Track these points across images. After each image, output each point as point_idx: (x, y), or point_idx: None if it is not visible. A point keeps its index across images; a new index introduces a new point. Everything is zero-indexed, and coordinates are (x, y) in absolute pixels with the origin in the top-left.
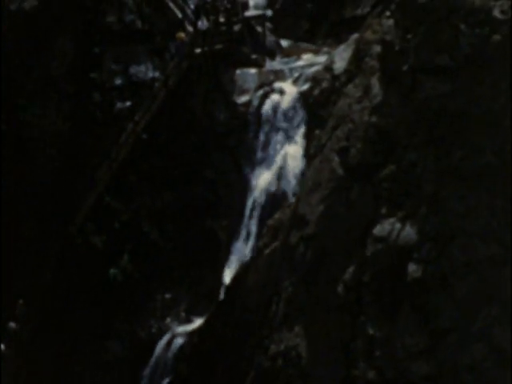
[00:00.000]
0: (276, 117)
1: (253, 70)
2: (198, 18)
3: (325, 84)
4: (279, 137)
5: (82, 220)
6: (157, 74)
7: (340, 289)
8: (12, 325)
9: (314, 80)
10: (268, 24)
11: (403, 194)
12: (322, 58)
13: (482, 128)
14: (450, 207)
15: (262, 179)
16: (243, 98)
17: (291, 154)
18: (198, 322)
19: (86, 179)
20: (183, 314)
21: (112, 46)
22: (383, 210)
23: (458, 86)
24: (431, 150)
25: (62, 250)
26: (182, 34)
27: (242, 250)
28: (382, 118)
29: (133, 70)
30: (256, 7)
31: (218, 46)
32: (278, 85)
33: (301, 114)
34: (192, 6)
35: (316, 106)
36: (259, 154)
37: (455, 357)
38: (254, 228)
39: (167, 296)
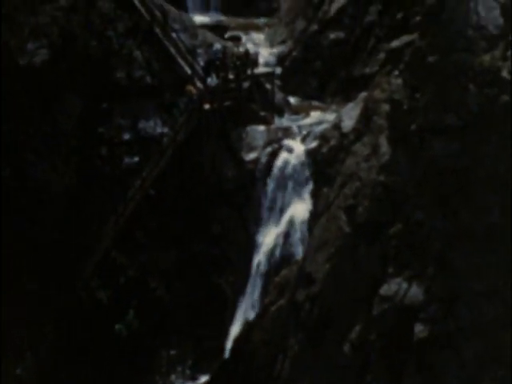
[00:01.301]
0: (284, 174)
1: (261, 127)
2: (207, 74)
3: (333, 142)
4: (287, 194)
5: (88, 275)
6: (165, 130)
7: (346, 348)
8: (18, 371)
9: (323, 138)
10: (277, 81)
11: (410, 253)
12: (330, 116)
13: (489, 187)
14: (456, 267)
15: (269, 236)
16: (251, 155)
17: (298, 211)
18: (202, 380)
19: (93, 234)
20: (188, 371)
21: (121, 101)
22: (390, 269)
23: (466, 145)
24: (438, 209)
25: (67, 305)
26: (191, 87)
27: (248, 307)
28: (389, 177)
29: (141, 125)
30: (265, 64)
31: (227, 103)
32: (286, 142)
33: (309, 172)
34: (201, 63)
35: (324, 163)
36: (266, 211)
37: None
38: (260, 285)
39: (172, 352)
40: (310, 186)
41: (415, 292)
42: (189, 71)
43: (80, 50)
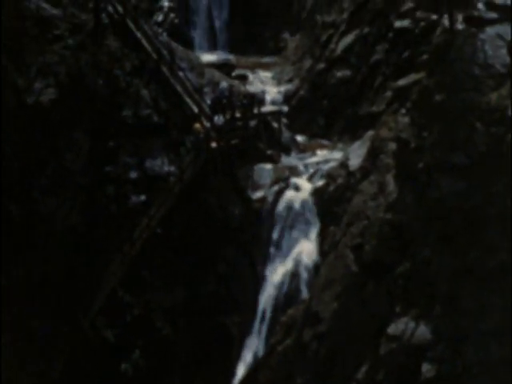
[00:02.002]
0: (290, 213)
1: (268, 166)
2: (214, 112)
3: (340, 180)
4: (293, 233)
5: (95, 313)
6: (172, 168)
7: None
8: None
9: (329, 176)
10: (284, 120)
11: (417, 292)
12: (337, 155)
13: (497, 227)
14: (464, 306)
15: (276, 275)
16: (258, 194)
17: (305, 250)
18: None
19: (99, 272)
20: None
21: (127, 140)
22: (397, 309)
23: (473, 184)
24: (446, 248)
25: (73, 344)
26: (198, 126)
27: (254, 347)
28: (396, 215)
29: (148, 163)
30: (272, 103)
31: (234, 141)
32: (293, 181)
33: (315, 210)
34: (208, 101)
35: (331, 202)
36: (273, 250)
37: None
38: (266, 324)
39: None
40: (316, 225)
41: (423, 331)
42: (196, 110)
43: (87, 88)
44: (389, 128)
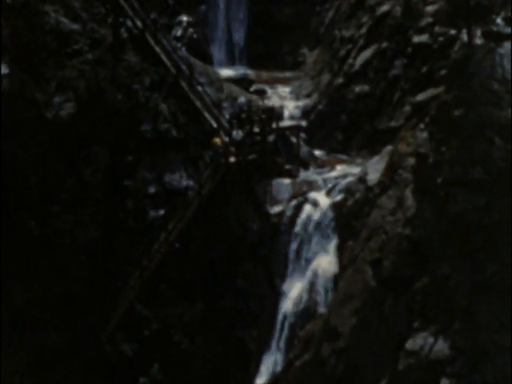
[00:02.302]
0: (309, 227)
1: (286, 181)
2: (232, 127)
3: (358, 195)
4: (311, 247)
5: (113, 328)
6: (190, 183)
7: None
8: None
9: (348, 191)
10: (302, 134)
11: (436, 307)
12: (355, 169)
13: None
14: (482, 322)
15: (294, 290)
16: (276, 208)
17: (323, 264)
18: None
19: (118, 287)
20: None
21: (146, 154)
22: (416, 324)
23: (492, 199)
24: (465, 264)
25: (91, 358)
26: (217, 140)
27: (272, 361)
28: (415, 230)
29: (167, 178)
30: (291, 118)
31: (253, 156)
32: (311, 195)
33: (334, 225)
34: (227, 116)
35: (349, 216)
36: (291, 265)
37: None
38: (284, 339)
39: None
40: (335, 239)
41: (441, 347)
42: (214, 124)
43: (106, 103)
44: (407, 143)
